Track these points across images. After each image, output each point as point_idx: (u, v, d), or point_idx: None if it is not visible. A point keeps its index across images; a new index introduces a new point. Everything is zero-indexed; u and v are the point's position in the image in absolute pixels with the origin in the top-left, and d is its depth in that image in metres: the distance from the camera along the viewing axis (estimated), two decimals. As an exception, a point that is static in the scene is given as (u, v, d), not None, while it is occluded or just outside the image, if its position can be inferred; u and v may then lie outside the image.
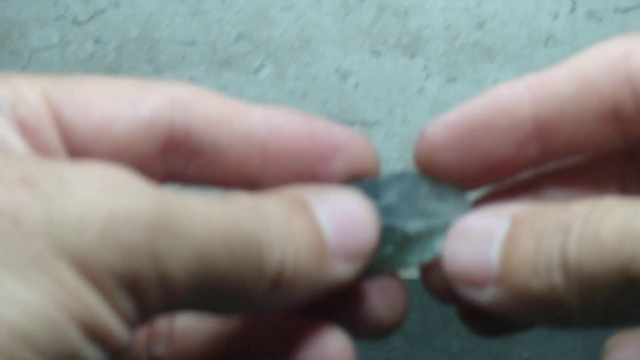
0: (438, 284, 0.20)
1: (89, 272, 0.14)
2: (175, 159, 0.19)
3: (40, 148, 0.18)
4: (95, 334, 0.14)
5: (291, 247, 0.17)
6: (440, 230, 0.20)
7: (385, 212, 0.21)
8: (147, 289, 0.15)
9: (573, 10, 0.83)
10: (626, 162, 0.21)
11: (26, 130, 0.18)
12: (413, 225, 0.20)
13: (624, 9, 0.84)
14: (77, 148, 0.19)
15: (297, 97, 0.86)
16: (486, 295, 0.18)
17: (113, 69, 0.87)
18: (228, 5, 0.85)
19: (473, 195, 0.22)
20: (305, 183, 0.20)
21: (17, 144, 0.17)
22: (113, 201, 0.14)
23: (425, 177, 0.21)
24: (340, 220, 0.19)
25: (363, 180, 0.21)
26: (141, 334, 0.21)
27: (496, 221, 0.18)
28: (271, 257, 0.17)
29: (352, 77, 0.85)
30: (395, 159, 0.83)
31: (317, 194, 0.19)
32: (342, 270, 0.19)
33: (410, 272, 0.22)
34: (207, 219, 0.16)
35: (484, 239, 0.18)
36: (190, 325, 0.21)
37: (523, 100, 0.19)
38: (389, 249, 0.20)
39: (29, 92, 0.18)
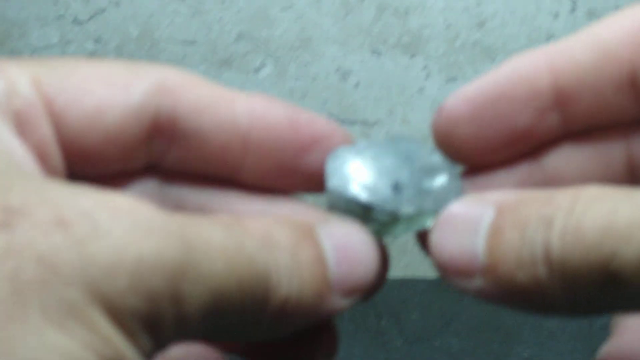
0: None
1: (118, 316, 0.14)
2: (158, 144, 0.20)
3: (34, 143, 0.18)
4: None
5: (296, 282, 0.17)
6: (430, 212, 0.20)
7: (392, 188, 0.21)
8: (165, 327, 0.15)
9: (573, 10, 0.83)
10: (631, 127, 0.20)
11: (21, 125, 0.18)
12: (405, 209, 0.20)
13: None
14: (68, 137, 0.19)
15: (297, 97, 0.86)
16: (474, 284, 0.18)
17: (113, 69, 0.87)
18: (228, 5, 0.85)
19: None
20: (286, 172, 0.20)
21: (15, 145, 0.17)
22: (141, 245, 0.15)
23: (418, 144, 0.22)
24: (344, 255, 0.19)
25: (355, 144, 0.21)
26: None
27: (482, 209, 0.18)
28: (277, 294, 0.17)
29: (352, 76, 0.85)
30: (396, 158, 0.83)
31: (324, 223, 0.19)
32: (338, 304, 0.19)
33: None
34: (225, 257, 0.16)
35: (469, 229, 0.18)
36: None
37: (542, 70, 0.19)
38: (376, 225, 0.20)
39: (21, 82, 0.18)
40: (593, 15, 0.84)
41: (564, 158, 0.20)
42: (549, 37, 0.83)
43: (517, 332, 0.77)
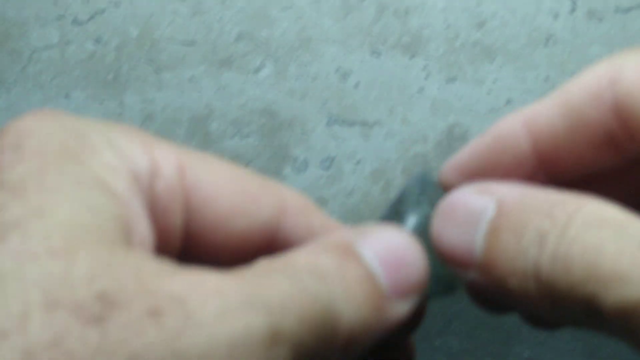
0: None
1: None
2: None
3: (161, 229, 0.18)
4: None
5: (353, 306, 0.18)
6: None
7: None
8: None
9: (573, 10, 0.83)
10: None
11: (156, 208, 0.18)
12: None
13: (624, 9, 0.84)
14: (193, 232, 0.19)
15: (297, 97, 0.86)
16: (469, 275, 0.19)
17: (113, 69, 0.87)
18: (228, 5, 0.85)
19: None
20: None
21: (143, 227, 0.17)
22: (232, 330, 0.15)
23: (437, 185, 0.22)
24: (388, 259, 0.19)
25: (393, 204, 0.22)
26: None
27: (484, 203, 0.19)
28: (342, 326, 0.17)
29: (352, 77, 0.85)
30: (395, 159, 0.83)
31: (359, 234, 0.19)
32: (399, 309, 0.19)
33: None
34: (298, 310, 0.16)
35: (470, 221, 0.19)
36: None
37: (521, 137, 0.20)
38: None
39: (168, 166, 0.18)
40: (593, 15, 0.84)
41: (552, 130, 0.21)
42: (549, 37, 0.83)
43: (517, 332, 0.77)
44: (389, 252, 0.19)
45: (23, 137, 0.17)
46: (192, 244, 0.19)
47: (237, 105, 0.87)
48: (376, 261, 0.18)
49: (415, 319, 0.21)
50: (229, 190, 0.19)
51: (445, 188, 0.21)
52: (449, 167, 0.21)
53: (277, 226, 0.20)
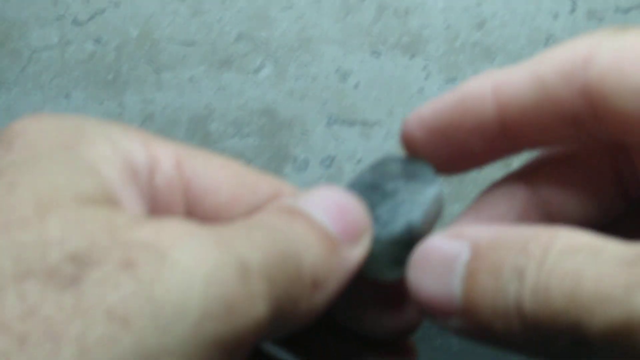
0: None
1: (194, 357, 0.15)
2: None
3: None
4: None
5: (310, 247, 0.18)
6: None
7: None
8: (244, 348, 0.16)
9: (573, 10, 0.83)
10: (616, 149, 0.21)
11: (157, 201, 0.18)
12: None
13: (624, 9, 0.84)
14: None
15: (296, 97, 0.86)
16: (452, 324, 0.18)
17: (113, 69, 0.87)
18: (228, 5, 0.85)
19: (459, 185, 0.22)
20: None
21: (134, 205, 0.17)
22: (204, 268, 0.15)
23: (404, 159, 0.22)
24: (332, 210, 0.19)
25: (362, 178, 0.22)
26: None
27: (458, 248, 0.19)
28: (304, 263, 0.18)
29: (352, 77, 0.85)
30: (395, 159, 0.83)
31: (300, 196, 0.20)
32: (354, 252, 0.19)
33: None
34: (263, 248, 0.16)
35: (445, 268, 0.19)
36: None
37: (487, 101, 0.20)
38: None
39: (166, 161, 0.19)
40: (593, 15, 0.84)
41: (554, 183, 0.21)
42: (549, 37, 0.83)
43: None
44: (331, 204, 0.19)
45: (16, 135, 0.17)
46: None
47: (237, 105, 0.87)
48: (321, 213, 0.19)
49: (415, 320, 0.21)
50: (226, 181, 0.19)
51: (406, 142, 0.21)
52: (413, 118, 0.21)
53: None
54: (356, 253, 0.19)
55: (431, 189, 0.21)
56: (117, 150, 0.17)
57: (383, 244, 0.20)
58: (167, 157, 0.19)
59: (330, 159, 0.87)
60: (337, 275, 0.18)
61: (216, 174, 0.19)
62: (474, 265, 0.18)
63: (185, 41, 0.86)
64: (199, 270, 0.15)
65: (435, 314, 0.18)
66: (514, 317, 0.17)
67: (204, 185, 0.19)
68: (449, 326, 0.18)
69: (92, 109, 0.87)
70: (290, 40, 0.85)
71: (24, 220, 0.14)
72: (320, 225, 0.18)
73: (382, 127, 0.84)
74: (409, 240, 0.20)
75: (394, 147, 0.83)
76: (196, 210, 0.19)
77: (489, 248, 0.18)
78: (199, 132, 0.88)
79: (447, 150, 0.21)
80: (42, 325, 0.13)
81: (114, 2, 0.85)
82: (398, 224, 0.20)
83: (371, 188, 0.21)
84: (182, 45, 0.86)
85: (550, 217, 0.21)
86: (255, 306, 0.15)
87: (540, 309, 0.16)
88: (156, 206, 0.18)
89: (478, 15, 0.83)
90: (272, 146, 0.88)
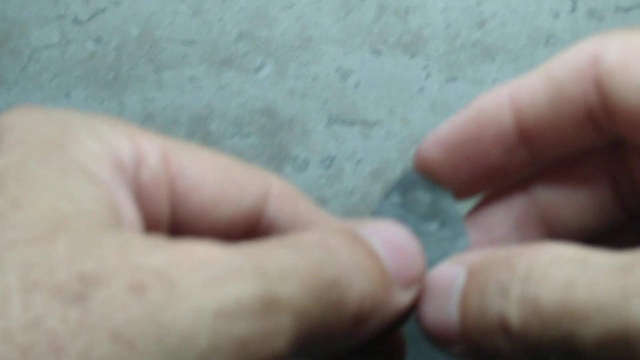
0: None
1: None
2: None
3: (148, 218, 0.18)
4: None
5: (363, 279, 0.17)
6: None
7: None
8: None
9: (574, 9, 0.83)
10: (613, 157, 0.21)
11: (142, 197, 0.18)
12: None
13: (624, 9, 0.84)
14: (179, 221, 0.19)
15: (297, 97, 0.86)
16: (456, 350, 0.18)
17: (113, 68, 0.87)
18: (228, 5, 0.85)
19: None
20: None
21: (130, 212, 0.17)
22: (219, 297, 0.14)
23: (428, 183, 0.22)
24: (393, 248, 0.19)
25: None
26: None
27: (455, 272, 0.18)
28: (351, 296, 0.17)
29: (353, 76, 0.85)
30: (395, 159, 0.83)
31: (362, 225, 0.19)
32: (402, 298, 0.19)
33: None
34: (298, 278, 0.16)
35: (445, 294, 0.18)
36: None
37: (505, 110, 0.20)
38: None
39: (152, 155, 0.18)
40: (593, 15, 0.83)
41: (551, 190, 0.21)
42: (549, 37, 0.83)
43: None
44: (393, 240, 0.19)
45: (4, 131, 0.17)
46: (177, 232, 0.19)
47: (237, 105, 0.87)
48: (382, 246, 0.18)
49: (405, 313, 0.21)
50: (213, 177, 0.19)
51: (423, 165, 0.21)
52: (429, 139, 0.21)
53: (262, 212, 0.20)
54: (404, 298, 0.18)
55: (462, 243, 0.21)
56: (106, 146, 0.17)
57: None
58: (153, 151, 0.18)
59: (330, 160, 0.87)
60: (383, 315, 0.18)
61: (203, 169, 0.19)
62: (467, 287, 0.18)
63: (185, 41, 0.86)
64: (210, 305, 0.14)
65: (440, 341, 0.18)
66: (499, 334, 0.16)
67: (191, 181, 0.19)
68: (455, 353, 0.18)
69: (93, 108, 0.87)
70: (290, 39, 0.85)
71: (34, 239, 0.14)
72: (379, 257, 0.18)
73: (382, 127, 0.84)
74: None
75: (394, 147, 0.83)
76: (182, 206, 0.19)
77: (478, 269, 0.18)
78: (199, 132, 0.88)
79: (467, 166, 0.21)
80: (46, 338, 0.13)
81: (114, 1, 0.85)
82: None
83: (402, 220, 0.21)
84: (183, 45, 0.86)
85: (548, 225, 0.21)
86: (274, 342, 0.15)
87: (528, 322, 0.16)
88: (141, 202, 0.18)
89: (478, 14, 0.83)
90: (273, 146, 0.88)
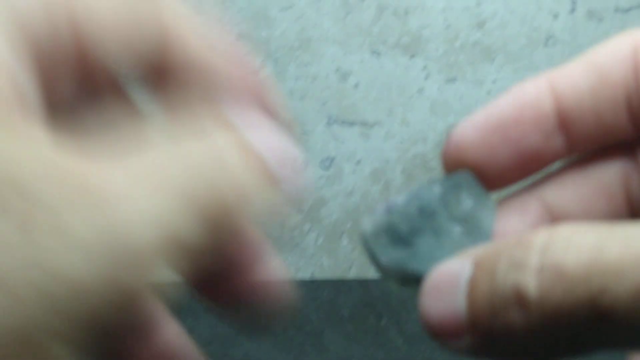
0: None
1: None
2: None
3: (49, 80, 0.18)
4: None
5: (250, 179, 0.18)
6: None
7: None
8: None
9: (573, 10, 0.83)
10: (629, 166, 0.21)
11: (47, 71, 0.17)
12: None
13: (624, 9, 0.84)
14: (89, 66, 0.19)
15: (297, 97, 0.86)
16: (464, 344, 0.18)
17: (113, 69, 0.87)
18: (228, 5, 0.85)
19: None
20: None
21: (29, 87, 0.16)
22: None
23: (472, 190, 0.21)
24: (273, 147, 0.19)
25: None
26: None
27: (461, 265, 0.18)
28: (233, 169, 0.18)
29: (352, 77, 0.85)
30: (395, 159, 0.83)
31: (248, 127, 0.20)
32: (286, 189, 0.19)
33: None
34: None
35: (451, 288, 0.18)
36: None
37: (545, 94, 0.20)
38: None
39: (61, 19, 0.17)
40: (593, 15, 0.83)
41: (566, 199, 0.21)
42: (549, 37, 0.83)
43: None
44: (273, 141, 0.20)
45: None
46: (88, 75, 0.18)
47: (237, 106, 0.87)
48: (262, 146, 0.19)
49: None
50: (113, 24, 0.19)
51: (453, 148, 0.21)
52: (465, 124, 0.21)
53: (164, 58, 0.19)
54: (288, 192, 0.19)
55: None
56: (14, 15, 0.16)
57: (404, 272, 0.20)
58: (61, 15, 0.17)
59: (330, 160, 0.87)
60: (253, 204, 0.18)
61: (105, 17, 0.18)
62: (475, 277, 0.17)
63: (185, 41, 0.86)
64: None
65: (446, 336, 0.18)
66: (514, 307, 0.16)
67: (96, 36, 0.18)
68: (461, 348, 0.18)
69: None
70: (290, 40, 0.85)
71: None
72: (258, 156, 0.18)
73: (382, 127, 0.84)
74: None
75: (393, 148, 0.83)
76: (91, 68, 0.18)
77: (486, 257, 0.17)
78: (198, 132, 0.88)
79: (503, 150, 0.20)
80: None
81: (113, 2, 0.85)
82: (427, 267, 0.19)
83: (431, 210, 0.20)
84: (182, 45, 0.86)
85: None
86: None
87: (549, 287, 0.15)
88: (46, 74, 0.17)
89: (478, 15, 0.83)
90: (272, 146, 0.88)
